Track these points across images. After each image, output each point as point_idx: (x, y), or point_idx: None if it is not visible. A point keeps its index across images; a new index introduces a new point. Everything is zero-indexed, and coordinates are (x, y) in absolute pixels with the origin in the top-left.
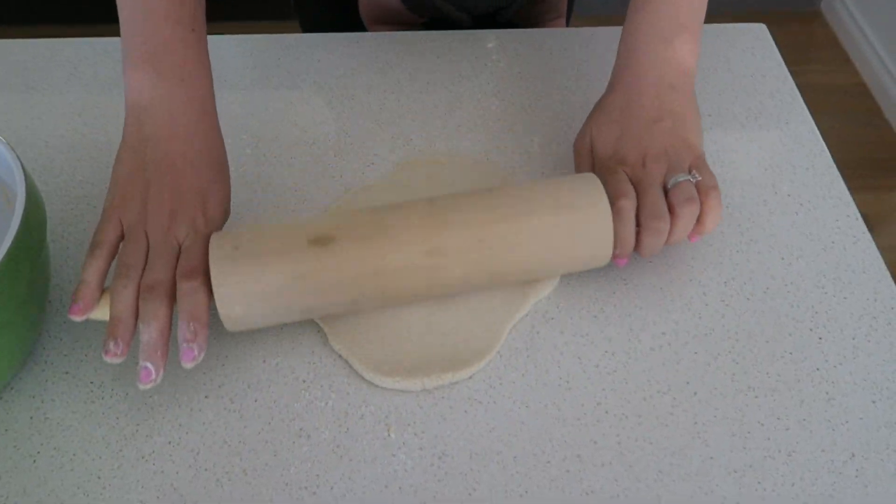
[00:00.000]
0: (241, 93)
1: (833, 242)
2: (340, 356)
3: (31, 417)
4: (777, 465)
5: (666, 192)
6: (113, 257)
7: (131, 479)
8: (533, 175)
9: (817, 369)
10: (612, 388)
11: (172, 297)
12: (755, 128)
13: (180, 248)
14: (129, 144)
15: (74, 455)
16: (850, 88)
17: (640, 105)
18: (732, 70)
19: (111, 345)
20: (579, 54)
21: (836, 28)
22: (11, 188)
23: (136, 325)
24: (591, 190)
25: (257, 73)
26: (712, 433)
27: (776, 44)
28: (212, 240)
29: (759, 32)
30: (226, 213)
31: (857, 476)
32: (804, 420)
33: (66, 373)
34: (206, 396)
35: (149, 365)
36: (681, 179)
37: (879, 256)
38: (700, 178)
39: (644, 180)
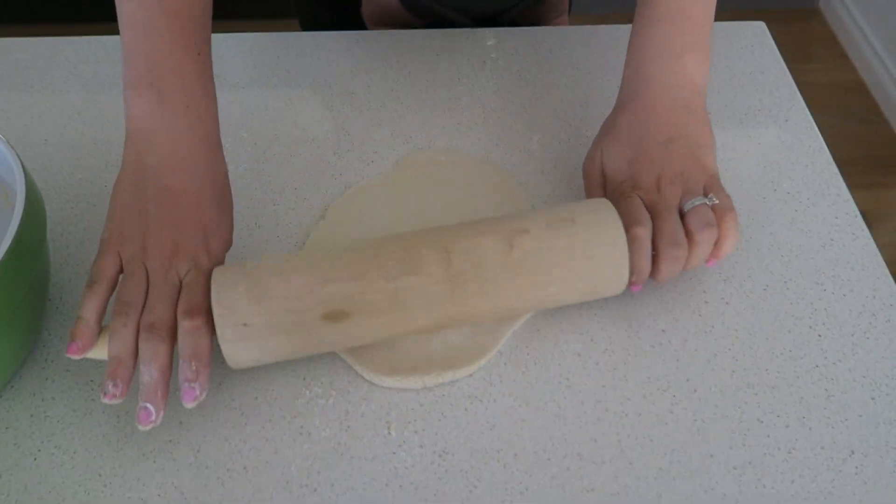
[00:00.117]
0: (240, 91)
1: (832, 240)
2: (340, 356)
3: (32, 415)
4: (776, 462)
5: (682, 215)
6: (111, 292)
7: (132, 477)
8: (532, 173)
9: (816, 366)
10: (612, 386)
11: (173, 336)
12: (754, 125)
13: (181, 283)
14: (128, 174)
15: (75, 453)
16: (849, 86)
17: (653, 126)
18: (732, 68)
19: (110, 386)
20: (579, 52)
21: (834, 26)
22: (11, 187)
23: (135, 365)
24: (614, 247)
25: (257, 72)
26: (712, 430)
27: (775, 42)
28: (215, 311)
29: (758, 30)
30: (228, 245)
31: (856, 473)
32: (803, 417)
33: (67, 371)
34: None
35: (149, 406)
36: (697, 203)
37: (878, 254)
38: (717, 202)
39: (659, 205)
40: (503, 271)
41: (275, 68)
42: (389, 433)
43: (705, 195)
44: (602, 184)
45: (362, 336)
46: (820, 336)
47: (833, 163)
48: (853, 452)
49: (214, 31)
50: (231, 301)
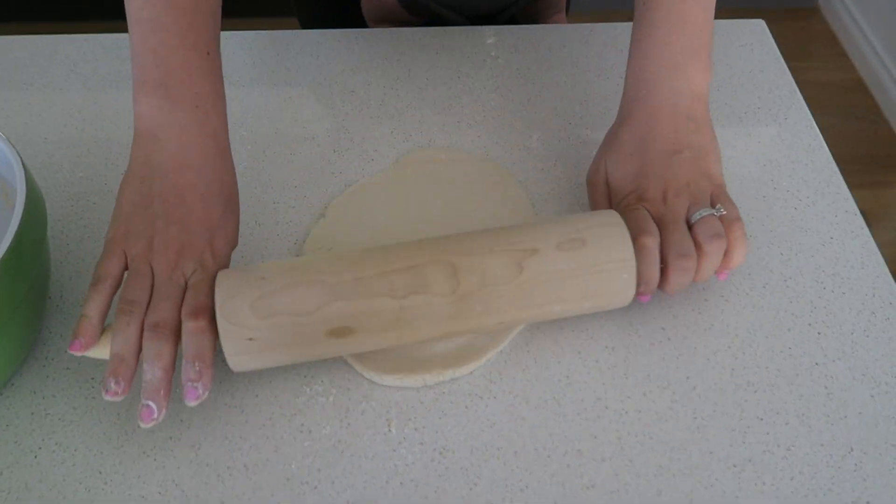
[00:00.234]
0: (240, 89)
1: (832, 238)
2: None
3: (33, 413)
4: (776, 459)
5: (689, 226)
6: (116, 291)
7: (132, 475)
8: (532, 171)
9: (816, 364)
10: (611, 384)
11: (177, 336)
12: (754, 124)
13: (186, 284)
14: (135, 173)
15: (76, 450)
16: (848, 85)
17: (657, 138)
18: (731, 66)
19: (112, 383)
20: (578, 50)
21: (834, 25)
22: (11, 185)
23: (137, 364)
24: (620, 248)
25: (256, 70)
26: (712, 428)
27: (775, 40)
28: (220, 324)
29: (757, 29)
30: (233, 245)
31: (855, 470)
32: (803, 415)
33: (67, 369)
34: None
35: (151, 404)
36: (705, 214)
37: (878, 252)
38: (724, 212)
39: (667, 216)
40: (510, 292)
41: (275, 66)
42: (390, 431)
43: (712, 205)
44: (607, 195)
45: (366, 349)
46: (819, 334)
47: (833, 161)
48: (852, 450)
49: None
50: (236, 315)
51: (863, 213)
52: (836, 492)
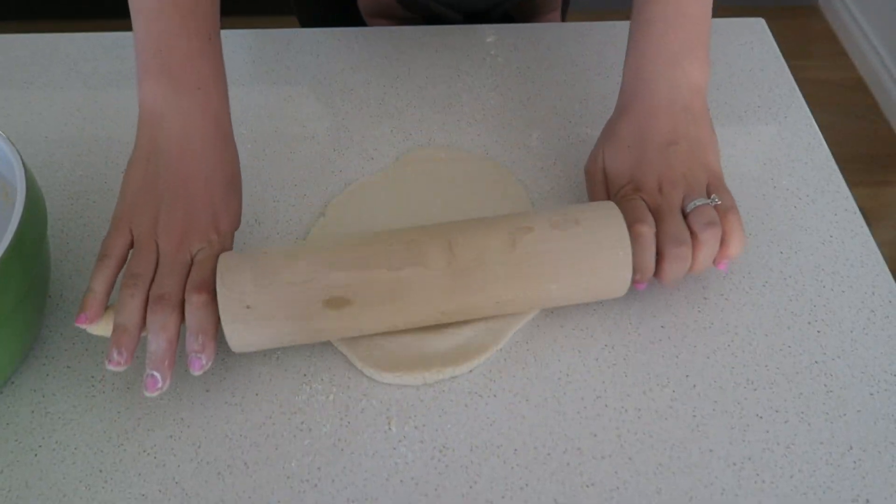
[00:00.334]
0: (240, 88)
1: (831, 237)
2: (340, 352)
3: (33, 412)
4: (776, 457)
5: (685, 216)
6: (121, 267)
7: (133, 473)
8: (532, 170)
9: (815, 362)
10: (611, 382)
11: (181, 310)
12: (754, 122)
13: (191, 261)
14: (141, 154)
15: (76, 449)
16: (848, 84)
17: (654, 130)
18: (731, 65)
19: (115, 354)
20: (577, 49)
21: (834, 23)
22: (11, 183)
23: (139, 336)
24: (617, 247)
25: (256, 69)
26: (711, 426)
27: (775, 39)
28: (219, 292)
29: (757, 27)
30: (236, 226)
31: (854, 468)
32: (802, 413)
33: (67, 367)
34: (207, 390)
35: (156, 374)
36: (699, 203)
37: (877, 250)
38: (720, 202)
39: (662, 206)
40: (505, 267)
41: (274, 65)
42: (390, 429)
43: (708, 196)
44: (605, 186)
45: (362, 324)
46: (819, 332)
47: (832, 160)
48: (852, 448)
49: None
50: (235, 283)
51: (862, 211)
52: (836, 490)
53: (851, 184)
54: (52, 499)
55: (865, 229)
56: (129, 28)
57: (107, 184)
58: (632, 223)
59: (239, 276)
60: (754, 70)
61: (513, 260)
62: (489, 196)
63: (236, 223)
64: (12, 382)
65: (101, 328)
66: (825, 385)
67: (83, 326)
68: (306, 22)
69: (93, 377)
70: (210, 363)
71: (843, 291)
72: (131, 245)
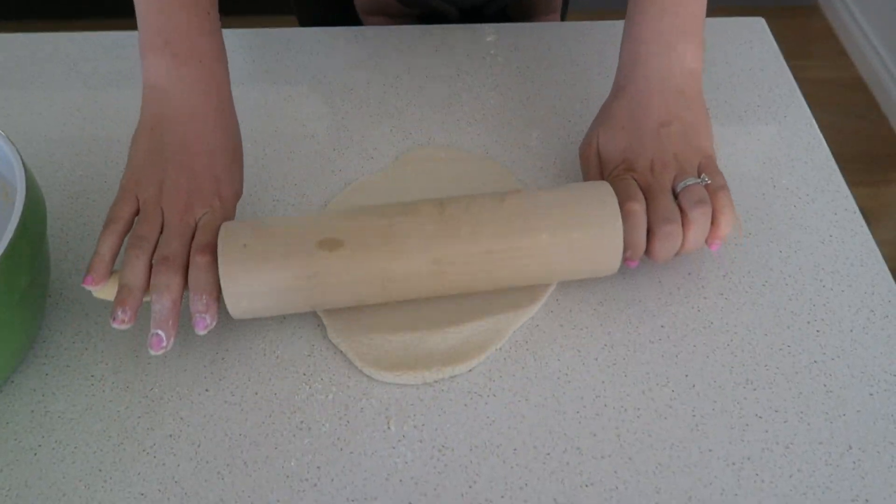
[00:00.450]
0: (239, 87)
1: (831, 236)
2: (340, 351)
3: (32, 411)
4: (775, 457)
5: (676, 196)
6: (127, 232)
7: (132, 472)
8: (532, 169)
9: (815, 362)
10: (611, 381)
11: (185, 271)
12: (753, 121)
13: (196, 226)
14: (146, 125)
15: (75, 448)
16: (848, 83)
17: (647, 111)
18: (731, 64)
19: (119, 312)
20: (577, 48)
21: (834, 23)
22: (11, 183)
23: (142, 296)
24: (605, 204)
25: (256, 68)
26: (711, 426)
27: (775, 38)
28: (220, 234)
29: (757, 27)
30: (238, 195)
31: (854, 468)
32: (802, 412)
33: (67, 366)
34: (206, 390)
35: (160, 332)
36: (690, 183)
37: (877, 250)
38: (710, 181)
39: (653, 186)
40: (495, 216)
41: (274, 65)
42: (389, 428)
43: (700, 176)
44: (598, 167)
45: (355, 269)
46: (818, 332)
47: (832, 159)
48: (851, 447)
49: None
50: (235, 232)
51: (862, 211)
52: (835, 489)
53: (851, 183)
54: (51, 498)
55: (865, 229)
56: (128, 28)
57: (107, 183)
58: (623, 201)
59: (240, 227)
60: (754, 70)
61: (502, 210)
62: None
63: (239, 191)
64: (12, 381)
65: (106, 292)
66: (824, 385)
67: (89, 288)
68: (306, 21)
69: (92, 377)
70: (214, 323)
71: (843, 291)
72: (137, 212)
